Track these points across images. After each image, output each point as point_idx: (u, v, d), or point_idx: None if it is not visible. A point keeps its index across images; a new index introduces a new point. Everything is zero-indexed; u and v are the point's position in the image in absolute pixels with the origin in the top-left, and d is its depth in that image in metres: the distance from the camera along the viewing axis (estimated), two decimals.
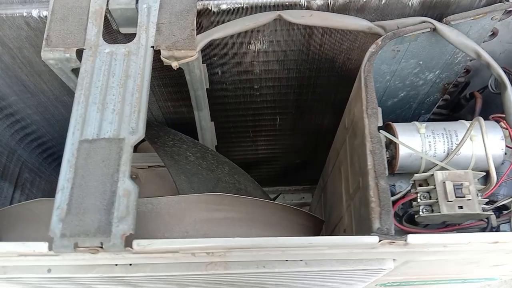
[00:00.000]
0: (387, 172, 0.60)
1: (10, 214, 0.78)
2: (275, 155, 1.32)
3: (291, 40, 0.82)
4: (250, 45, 0.83)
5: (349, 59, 0.88)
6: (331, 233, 0.93)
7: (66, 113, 1.07)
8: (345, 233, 0.78)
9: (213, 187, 0.88)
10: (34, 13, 0.75)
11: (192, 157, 0.86)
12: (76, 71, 0.78)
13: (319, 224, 0.90)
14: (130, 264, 0.64)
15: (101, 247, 0.58)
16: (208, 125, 0.96)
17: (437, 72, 0.87)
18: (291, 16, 0.71)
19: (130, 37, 0.74)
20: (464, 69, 0.90)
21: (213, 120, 1.02)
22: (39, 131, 1.11)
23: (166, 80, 0.95)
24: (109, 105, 0.66)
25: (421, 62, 0.82)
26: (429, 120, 1.06)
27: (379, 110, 0.64)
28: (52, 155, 1.20)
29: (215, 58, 0.86)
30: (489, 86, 0.91)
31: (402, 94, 0.93)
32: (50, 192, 1.22)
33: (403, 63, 0.81)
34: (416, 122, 0.76)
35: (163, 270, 0.64)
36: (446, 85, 0.93)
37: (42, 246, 0.58)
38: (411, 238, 0.55)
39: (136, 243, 0.57)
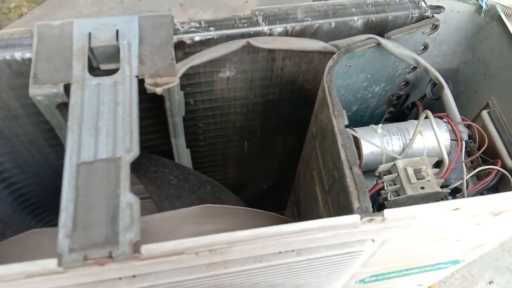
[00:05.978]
0: (358, 161, 0.69)
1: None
2: (243, 181, 1.39)
3: (256, 66, 0.92)
4: (220, 73, 0.93)
5: (307, 80, 1.00)
6: None
7: (39, 157, 1.09)
8: None
9: None
10: (17, 55, 0.80)
11: (175, 180, 0.91)
12: (60, 107, 0.83)
13: None
14: (134, 276, 0.67)
15: (110, 257, 0.62)
16: (184, 151, 1.02)
17: (382, 85, 1.01)
18: (257, 42, 0.82)
19: (111, 73, 0.81)
20: (404, 82, 1.04)
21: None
22: (11, 178, 1.11)
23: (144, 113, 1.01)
24: (102, 129, 0.72)
25: (369, 76, 0.95)
26: None
27: (344, 111, 0.74)
28: (23, 203, 1.19)
29: (188, 88, 0.94)
30: (427, 94, 1.06)
31: (355, 108, 1.05)
32: None
33: (354, 77, 0.93)
34: (372, 125, 0.87)
35: (166, 277, 0.68)
36: (391, 97, 1.07)
37: (51, 263, 0.60)
38: (387, 212, 0.64)
39: (144, 248, 0.61)
